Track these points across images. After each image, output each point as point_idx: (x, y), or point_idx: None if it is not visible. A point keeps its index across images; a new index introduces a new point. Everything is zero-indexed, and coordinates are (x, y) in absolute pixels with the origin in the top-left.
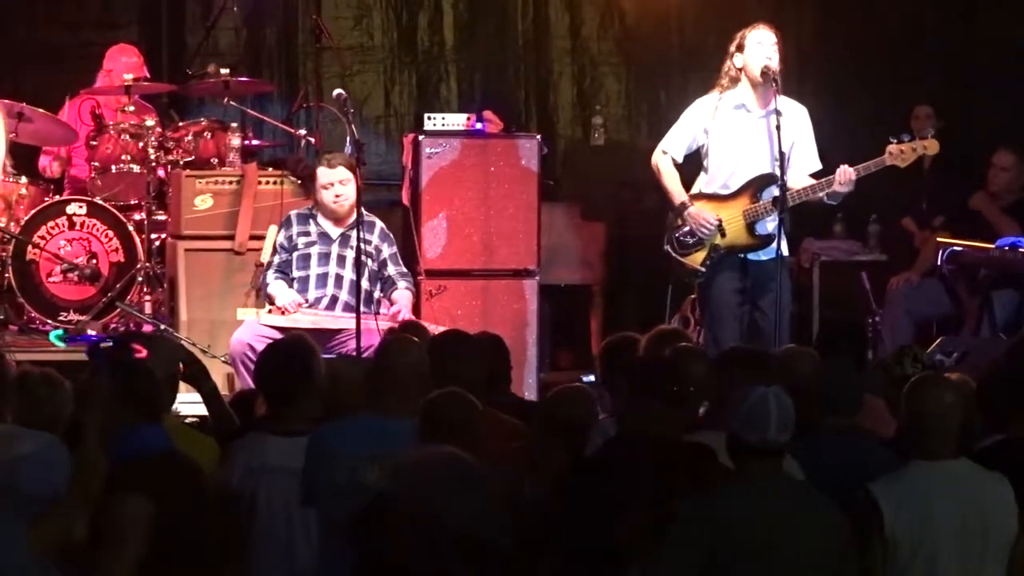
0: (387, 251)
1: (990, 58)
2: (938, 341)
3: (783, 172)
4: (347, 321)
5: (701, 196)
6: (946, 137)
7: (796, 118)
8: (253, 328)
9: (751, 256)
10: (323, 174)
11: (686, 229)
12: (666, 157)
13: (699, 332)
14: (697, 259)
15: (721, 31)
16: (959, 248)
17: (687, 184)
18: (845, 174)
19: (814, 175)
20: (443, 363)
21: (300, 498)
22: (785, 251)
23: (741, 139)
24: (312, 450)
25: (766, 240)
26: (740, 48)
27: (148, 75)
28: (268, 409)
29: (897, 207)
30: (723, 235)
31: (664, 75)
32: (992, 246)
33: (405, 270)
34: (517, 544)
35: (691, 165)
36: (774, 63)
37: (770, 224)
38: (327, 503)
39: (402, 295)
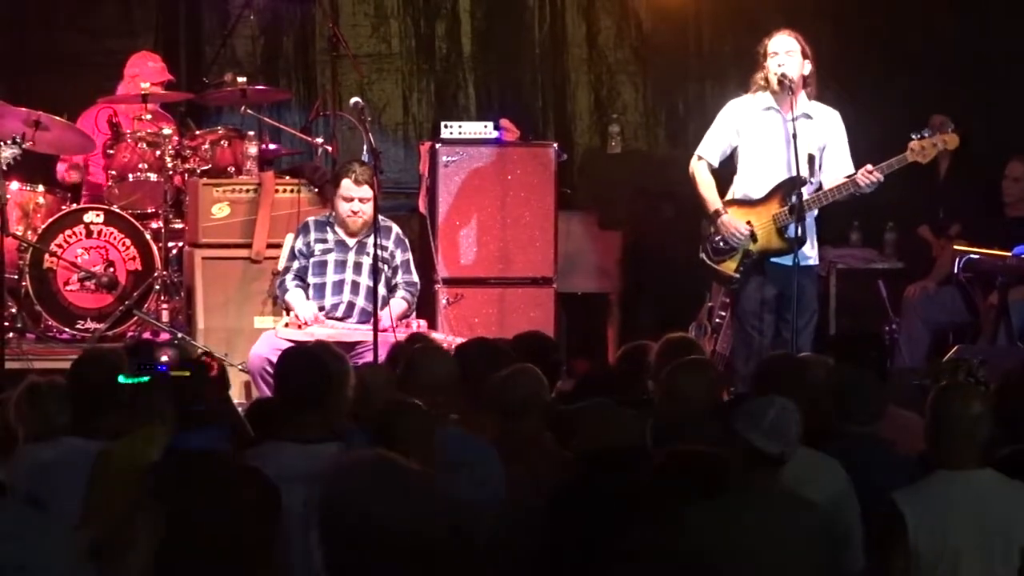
0: (400, 257)
1: (1006, 68)
2: (955, 349)
3: (799, 177)
4: (365, 333)
5: (733, 202)
6: (963, 147)
7: (828, 122)
8: (271, 341)
9: (778, 261)
10: (347, 187)
11: (719, 237)
12: (701, 163)
13: (715, 340)
14: (731, 266)
15: (738, 39)
16: (976, 256)
17: (725, 185)
18: (869, 176)
19: (848, 177)
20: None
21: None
22: (815, 259)
23: (770, 141)
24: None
25: (796, 243)
26: (764, 56)
27: (173, 78)
28: (286, 416)
29: (913, 215)
30: (754, 240)
31: (681, 83)
32: (1009, 254)
33: (415, 279)
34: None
35: (727, 169)
36: (788, 70)
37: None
38: None
39: (394, 303)
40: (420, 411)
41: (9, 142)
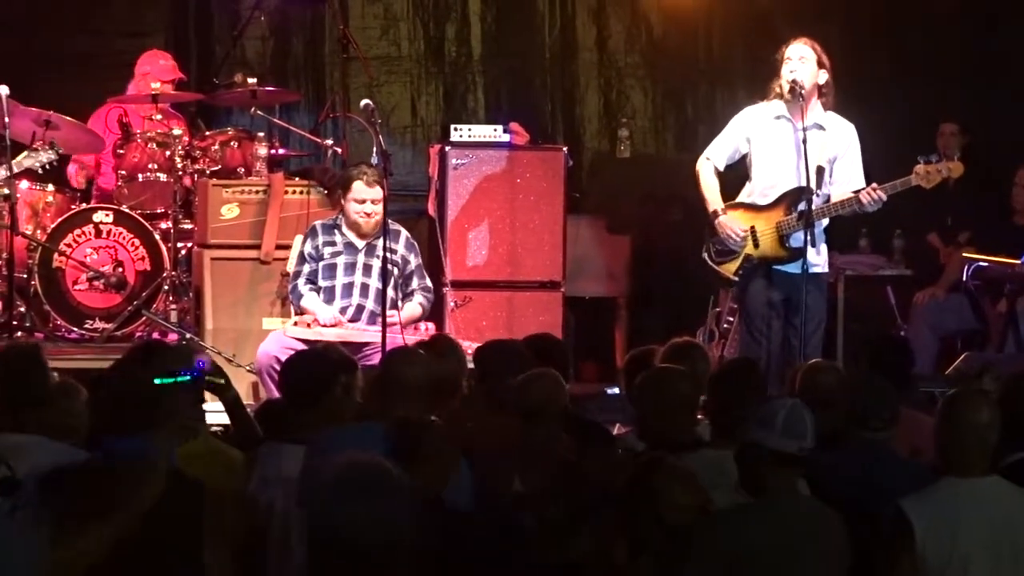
0: (413, 263)
1: (1015, 75)
2: (963, 357)
3: (809, 186)
4: (374, 334)
5: (739, 205)
6: (971, 154)
7: (841, 135)
8: (280, 340)
9: (783, 269)
10: (360, 189)
11: (719, 238)
12: (708, 164)
13: (723, 345)
14: (731, 268)
15: (747, 45)
16: (984, 263)
17: (734, 190)
18: (872, 193)
19: (857, 192)
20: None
21: (296, 500)
22: (824, 267)
23: (781, 150)
24: (311, 454)
25: (798, 253)
26: (780, 64)
27: (184, 76)
28: (289, 416)
29: (922, 222)
30: (756, 246)
31: (690, 88)
32: (1018, 261)
33: (428, 284)
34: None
35: (737, 175)
36: (799, 76)
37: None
38: None
39: (408, 307)
40: (440, 429)
41: (47, 147)
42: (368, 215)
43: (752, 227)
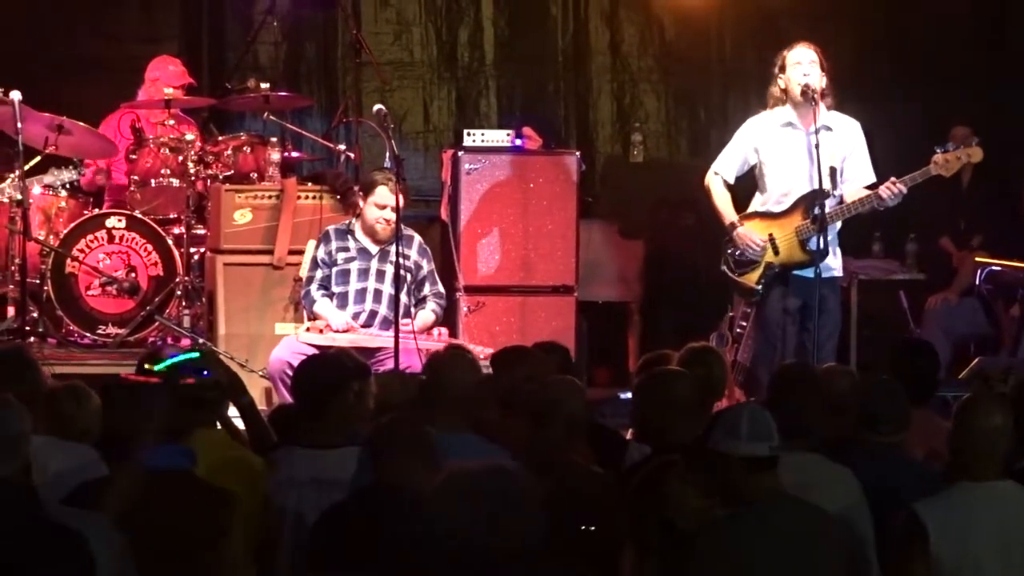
0: (426, 268)
1: None
2: (975, 361)
3: (822, 190)
4: (386, 339)
5: (755, 215)
6: (983, 157)
7: (847, 132)
8: (292, 345)
9: (802, 273)
10: (384, 195)
11: (737, 250)
12: (717, 178)
13: (736, 350)
14: (753, 278)
15: (760, 49)
16: (997, 268)
17: (743, 202)
18: (892, 187)
19: (870, 187)
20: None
21: None
22: (840, 270)
23: (792, 157)
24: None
25: (819, 256)
26: (782, 69)
27: (194, 82)
28: (301, 421)
29: (934, 226)
30: (776, 253)
31: (703, 92)
32: None
33: (441, 290)
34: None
35: (748, 185)
36: (812, 80)
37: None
38: None
39: (422, 315)
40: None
41: (71, 166)
42: (388, 222)
43: (770, 235)
